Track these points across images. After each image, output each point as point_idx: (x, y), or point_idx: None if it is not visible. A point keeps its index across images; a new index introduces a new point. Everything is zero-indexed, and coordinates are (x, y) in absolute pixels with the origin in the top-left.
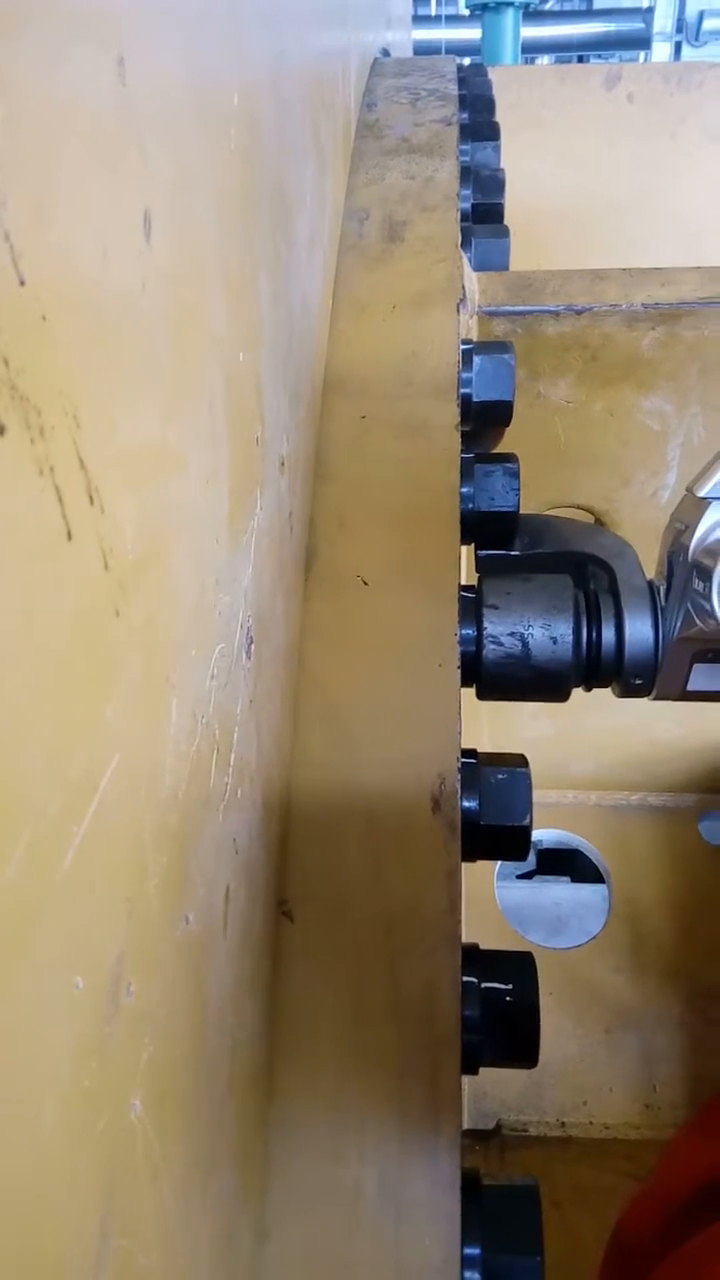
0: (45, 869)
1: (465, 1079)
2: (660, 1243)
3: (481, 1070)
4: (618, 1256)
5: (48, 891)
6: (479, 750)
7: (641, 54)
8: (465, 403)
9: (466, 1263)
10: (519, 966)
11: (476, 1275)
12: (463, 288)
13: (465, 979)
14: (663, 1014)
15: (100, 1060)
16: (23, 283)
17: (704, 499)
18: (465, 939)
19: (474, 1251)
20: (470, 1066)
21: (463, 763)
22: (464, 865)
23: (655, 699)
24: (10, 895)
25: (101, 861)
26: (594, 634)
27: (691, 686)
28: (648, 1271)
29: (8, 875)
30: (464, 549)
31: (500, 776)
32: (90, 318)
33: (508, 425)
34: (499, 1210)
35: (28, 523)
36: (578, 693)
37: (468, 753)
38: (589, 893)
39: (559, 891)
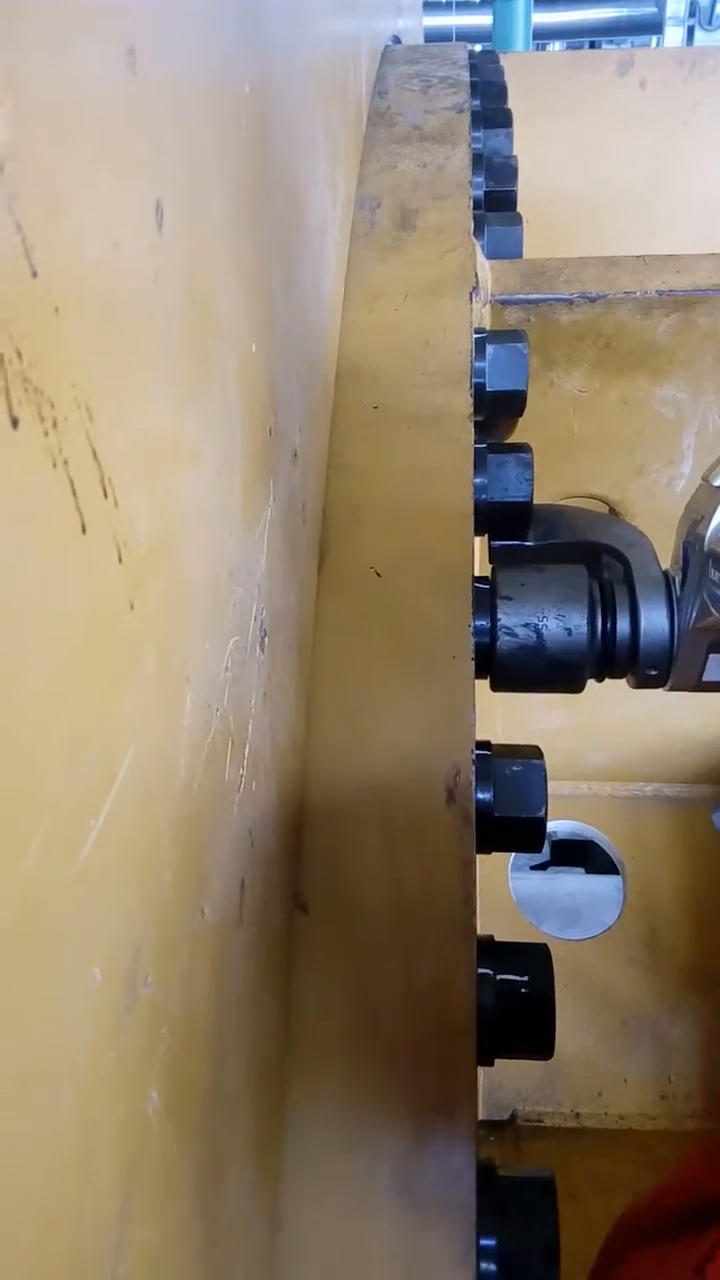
0: (62, 862)
1: (480, 1070)
2: (661, 1229)
3: (496, 1061)
4: (610, 1253)
5: (65, 884)
6: (493, 742)
7: (654, 39)
8: (478, 392)
9: (482, 1254)
10: (534, 958)
11: (492, 1266)
12: (475, 276)
13: (480, 971)
14: (678, 1005)
15: (118, 1052)
16: (35, 274)
17: (719, 488)
18: (480, 931)
19: (490, 1243)
20: (486, 1058)
21: (477, 755)
22: (478, 857)
23: (670, 690)
24: (27, 888)
25: (118, 854)
26: (609, 625)
27: (707, 677)
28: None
29: (25, 868)
30: (477, 540)
31: (515, 768)
32: (102, 309)
33: (521, 415)
34: (514, 1201)
35: (41, 516)
36: (592, 684)
37: (482, 744)
38: (603, 884)
39: (573, 883)
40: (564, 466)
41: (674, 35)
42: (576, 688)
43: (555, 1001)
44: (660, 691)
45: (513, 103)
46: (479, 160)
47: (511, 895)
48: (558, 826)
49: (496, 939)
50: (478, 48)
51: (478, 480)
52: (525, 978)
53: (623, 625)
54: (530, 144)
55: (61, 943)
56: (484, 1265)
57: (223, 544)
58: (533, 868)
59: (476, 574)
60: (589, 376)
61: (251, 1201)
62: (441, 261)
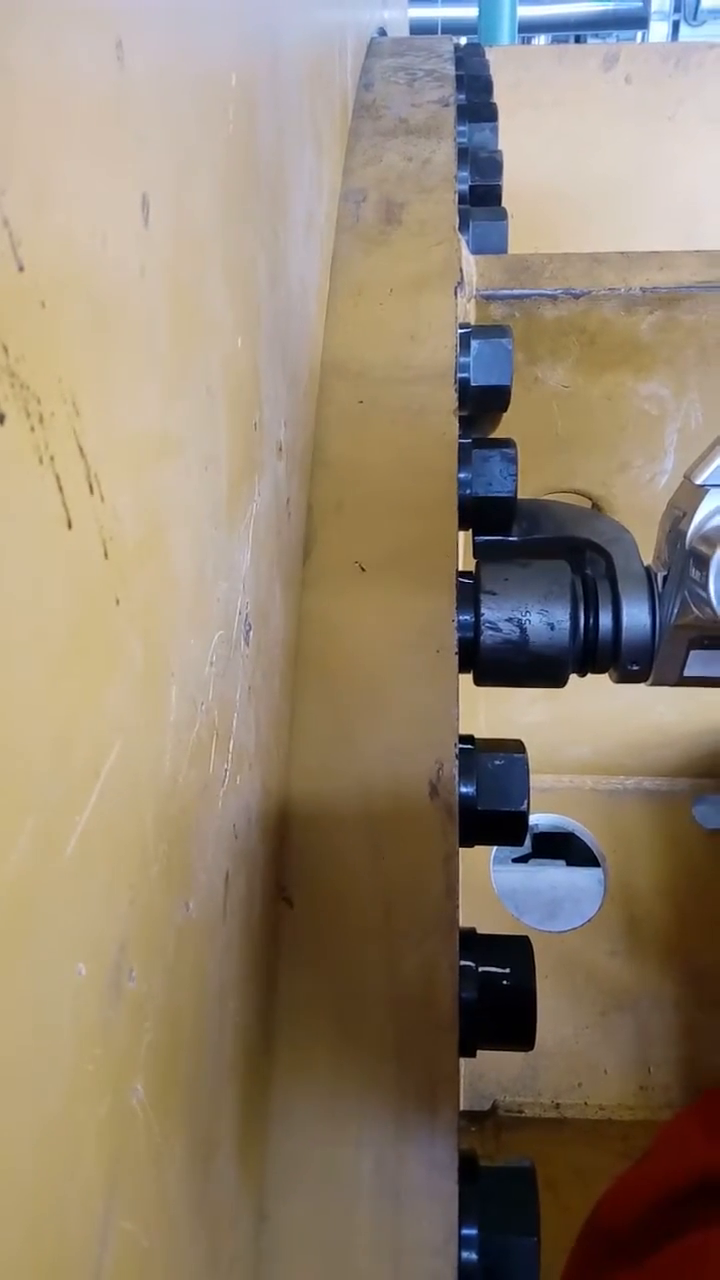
0: (48, 857)
1: (462, 1061)
2: (643, 1232)
3: (478, 1052)
4: (595, 1239)
5: (51, 879)
6: (476, 736)
7: (639, 33)
8: (463, 387)
9: (464, 1243)
10: (516, 950)
11: (474, 1256)
12: (460, 271)
13: (463, 963)
14: (657, 996)
15: (103, 1046)
16: (21, 269)
17: (701, 486)
18: (462, 923)
19: (471, 1232)
20: (467, 1049)
21: (460, 749)
22: (461, 850)
23: (652, 685)
24: (13, 883)
25: (103, 849)
26: (591, 620)
27: (688, 673)
28: (626, 1260)
29: (11, 864)
30: (461, 535)
31: (497, 762)
32: (89, 304)
33: (505, 410)
34: (496, 1192)
35: (28, 511)
36: (574, 678)
37: (465, 738)
38: (584, 876)
39: (554, 875)
40: (548, 462)
41: (659, 30)
42: (559, 682)
43: (536, 993)
44: (642, 686)
45: (498, 97)
46: (464, 154)
47: (493, 887)
48: (539, 819)
49: (478, 931)
50: (463, 40)
51: (462, 475)
52: (507, 970)
53: (605, 621)
54: (515, 138)
55: (47, 938)
56: (465, 1255)
57: (208, 539)
58: (514, 860)
59: (460, 569)
60: (573, 372)
61: (236, 1192)
62: (427, 256)
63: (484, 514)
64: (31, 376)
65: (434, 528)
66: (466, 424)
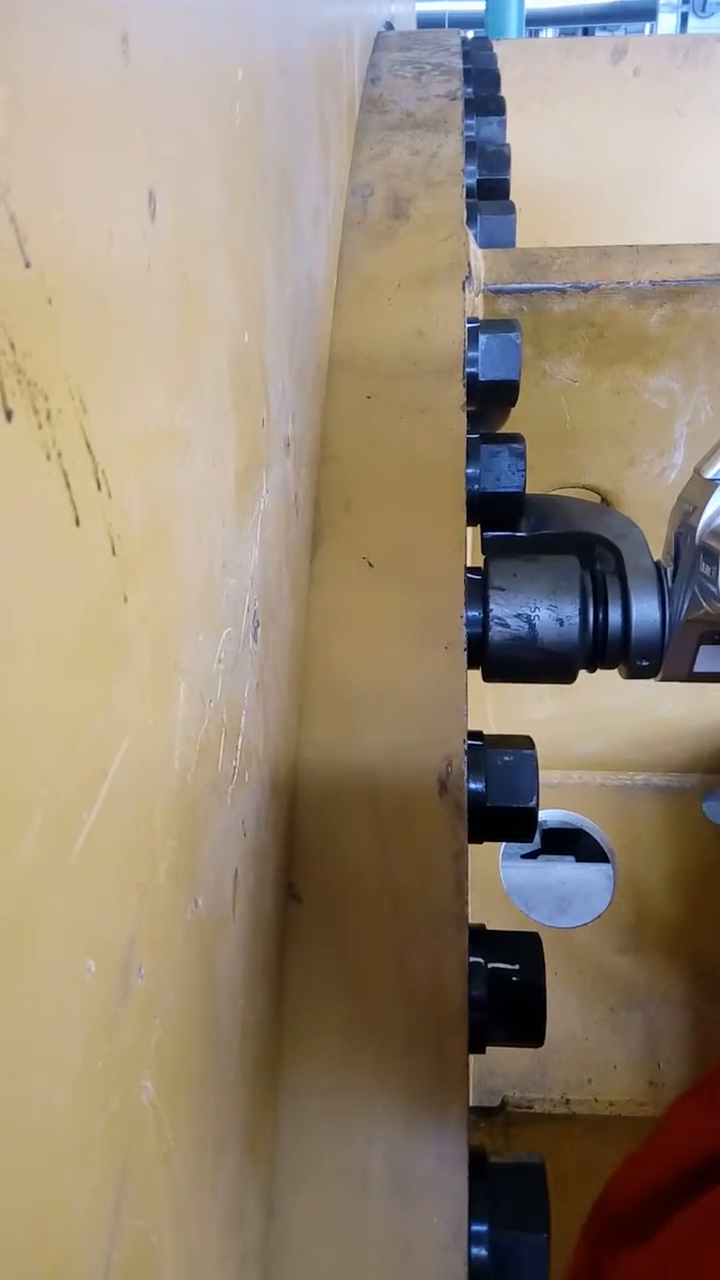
0: (56, 855)
1: (471, 1057)
2: (651, 1211)
3: (487, 1048)
4: (603, 1223)
5: (59, 877)
6: (485, 732)
7: (647, 25)
8: (471, 382)
9: (474, 1240)
10: (525, 946)
11: (484, 1252)
12: (468, 265)
13: (472, 959)
14: (667, 992)
15: (112, 1043)
16: (28, 265)
17: (711, 480)
18: (471, 919)
19: (481, 1229)
20: (477, 1046)
21: (469, 745)
22: (470, 846)
23: (661, 680)
24: (22, 881)
25: (112, 846)
26: (600, 615)
27: (698, 668)
28: (636, 1238)
29: (19, 861)
30: (470, 530)
31: (507, 758)
32: (95, 300)
33: (513, 405)
34: (506, 1188)
35: (36, 508)
36: (583, 674)
37: (474, 735)
38: (593, 872)
39: (564, 871)
40: (556, 456)
41: (667, 22)
42: (568, 678)
43: (546, 989)
44: (651, 682)
45: (505, 90)
46: (472, 148)
47: (502, 883)
48: (548, 815)
49: (488, 927)
50: (470, 34)
51: (470, 471)
52: (516, 966)
53: (614, 616)
54: (523, 132)
55: (56, 935)
56: (475, 1251)
57: (215, 535)
58: (523, 856)
59: (469, 564)
60: (581, 366)
61: (245, 1189)
62: (434, 250)
63: (492, 509)
64: (38, 373)
65: (442, 523)
66: (474, 419)
